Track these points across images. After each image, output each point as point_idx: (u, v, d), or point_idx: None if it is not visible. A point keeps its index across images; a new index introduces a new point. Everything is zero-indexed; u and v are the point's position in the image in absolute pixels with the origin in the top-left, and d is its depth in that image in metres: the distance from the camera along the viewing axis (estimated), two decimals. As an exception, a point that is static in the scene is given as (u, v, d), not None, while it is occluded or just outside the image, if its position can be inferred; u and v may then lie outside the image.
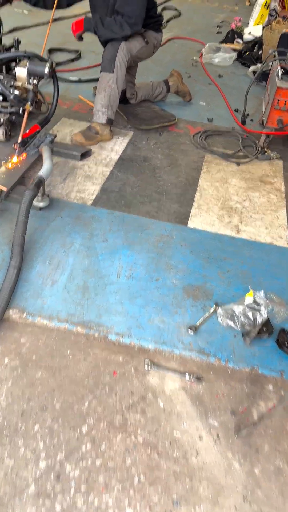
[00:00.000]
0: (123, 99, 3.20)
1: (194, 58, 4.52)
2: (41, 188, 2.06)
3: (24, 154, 2.41)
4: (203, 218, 2.27)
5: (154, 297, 1.76)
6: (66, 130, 2.90)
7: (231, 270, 1.94)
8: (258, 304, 1.65)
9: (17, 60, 2.49)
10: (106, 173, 2.52)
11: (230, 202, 2.42)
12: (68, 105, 3.25)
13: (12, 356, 1.48)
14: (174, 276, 1.87)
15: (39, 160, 2.40)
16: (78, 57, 4.12)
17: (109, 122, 2.74)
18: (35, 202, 2.07)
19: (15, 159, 2.36)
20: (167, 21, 5.76)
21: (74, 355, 1.50)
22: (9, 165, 2.31)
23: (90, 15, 2.65)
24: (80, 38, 2.64)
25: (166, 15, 6.01)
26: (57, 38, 4.34)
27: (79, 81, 3.60)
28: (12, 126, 2.65)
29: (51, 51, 4.13)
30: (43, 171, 2.09)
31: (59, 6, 2.70)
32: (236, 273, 1.93)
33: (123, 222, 2.16)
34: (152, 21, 2.69)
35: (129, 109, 3.18)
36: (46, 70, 2.36)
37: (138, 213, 2.24)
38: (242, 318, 1.62)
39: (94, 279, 1.80)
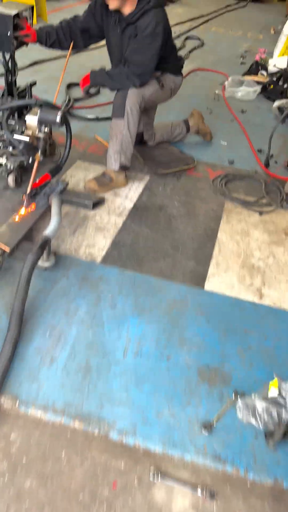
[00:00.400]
0: (140, 141, 3.08)
1: (216, 91, 4.38)
2: (47, 247, 1.92)
3: (33, 205, 2.29)
4: (222, 278, 2.07)
5: (164, 381, 1.56)
6: (80, 175, 2.78)
7: (253, 347, 1.73)
8: (284, 398, 1.43)
9: (27, 107, 2.39)
10: (119, 224, 2.37)
11: (252, 259, 2.21)
12: (84, 146, 3.14)
13: (0, 457, 1.31)
14: (187, 354, 1.67)
15: (49, 209, 2.27)
16: (97, 93, 4.04)
17: (123, 168, 2.60)
18: (40, 262, 1.93)
19: (23, 210, 2.24)
20: (190, 52, 5.69)
21: (69, 459, 1.31)
22: (16, 218, 2.19)
23: (97, 68, 2.55)
24: (88, 93, 2.53)
25: (189, 44, 5.95)
26: (77, 71, 4.29)
27: (97, 119, 3.50)
28: (23, 171, 2.55)
29: (70, 86, 4.08)
30: (50, 229, 1.95)
31: (75, 47, 2.61)
32: (259, 350, 1.71)
33: (134, 283, 1.99)
34: (170, 65, 2.57)
35: (146, 152, 3.04)
36: (58, 119, 2.25)
37: (151, 271, 2.07)
38: (265, 415, 1.40)
39: (97, 357, 1.62)
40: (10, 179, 2.51)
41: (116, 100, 2.46)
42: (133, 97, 2.40)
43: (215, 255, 2.22)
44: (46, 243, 1.87)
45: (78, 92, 4.01)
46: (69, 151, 2.50)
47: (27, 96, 2.65)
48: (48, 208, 2.27)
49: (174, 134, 3.19)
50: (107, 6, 2.31)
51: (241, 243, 2.32)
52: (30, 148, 2.26)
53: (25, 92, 2.66)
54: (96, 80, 2.38)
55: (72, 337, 1.69)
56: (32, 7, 2.58)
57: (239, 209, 2.59)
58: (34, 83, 2.77)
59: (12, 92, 2.58)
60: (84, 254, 2.13)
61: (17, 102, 2.29)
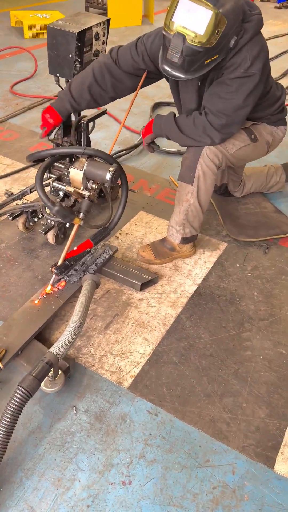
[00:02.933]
0: (224, 191, 2.40)
1: None
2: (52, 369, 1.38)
3: (63, 283, 1.77)
4: (307, 453, 1.34)
5: None
6: (138, 232, 2.19)
7: None
8: None
9: (73, 157, 1.86)
10: (169, 320, 1.74)
11: None
12: (153, 190, 2.55)
13: None
14: None
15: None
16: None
17: (186, 241, 1.96)
18: (42, 384, 1.39)
19: (48, 288, 1.73)
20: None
21: None
22: (37, 300, 1.68)
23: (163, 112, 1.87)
24: (150, 146, 1.89)
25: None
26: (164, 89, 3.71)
27: (178, 153, 2.87)
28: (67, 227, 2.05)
29: (157, 105, 3.50)
30: (59, 345, 1.37)
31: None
32: None
33: (166, 441, 1.34)
34: (268, 112, 1.83)
35: (229, 207, 2.34)
36: (108, 177, 1.69)
37: (196, 420, 1.40)
38: None
39: None
40: (50, 236, 2.02)
41: (186, 158, 1.80)
42: (209, 157, 1.73)
43: (301, 400, 1.49)
44: (48, 368, 1.32)
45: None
46: (122, 211, 1.92)
47: (82, 135, 2.13)
48: (79, 290, 1.73)
49: (270, 183, 2.44)
50: None
51: None
52: (67, 213, 1.72)
53: (81, 128, 2.14)
54: (161, 131, 1.75)
55: (53, 534, 1.13)
56: (108, 20, 2.04)
57: None
58: (91, 120, 2.15)
59: (69, 131, 2.05)
60: (110, 369, 1.54)
61: (59, 150, 1.77)
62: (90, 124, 2.10)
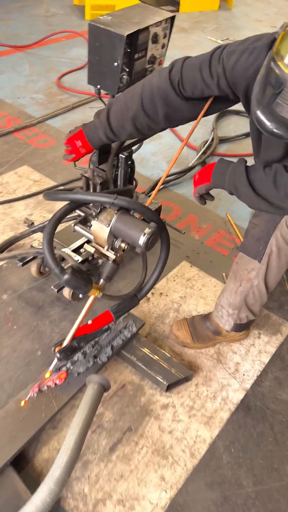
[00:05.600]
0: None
1: None
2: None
3: (63, 375, 1.32)
4: None
5: None
6: (176, 294, 1.70)
7: None
8: None
9: (101, 207, 1.37)
10: (200, 449, 1.25)
11: None
12: (203, 231, 2.02)
13: None
14: None
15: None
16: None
17: (240, 329, 1.44)
18: None
19: (45, 382, 1.30)
20: None
21: None
22: (23, 402, 1.25)
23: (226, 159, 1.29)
24: (202, 198, 1.36)
25: None
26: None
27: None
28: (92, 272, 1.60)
29: (223, 113, 2.92)
30: (41, 500, 0.96)
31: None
32: None
33: None
34: None
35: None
36: (142, 241, 1.20)
37: None
38: None
39: None
40: (66, 291, 1.59)
41: (255, 226, 1.28)
42: (283, 231, 1.19)
43: None
44: None
45: (226, 129, 2.82)
46: (158, 277, 1.41)
47: (120, 172, 1.62)
48: (82, 389, 1.28)
49: None
50: None
51: None
52: (82, 278, 1.26)
53: (119, 163, 1.64)
54: (223, 183, 1.20)
55: None
56: (173, 18, 1.52)
57: None
58: (129, 148, 1.65)
59: (106, 157, 1.56)
60: (106, 525, 1.11)
61: (81, 197, 1.29)
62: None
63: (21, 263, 1.60)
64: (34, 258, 1.63)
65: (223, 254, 1.90)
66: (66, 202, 1.26)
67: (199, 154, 2.41)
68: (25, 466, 1.18)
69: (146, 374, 1.41)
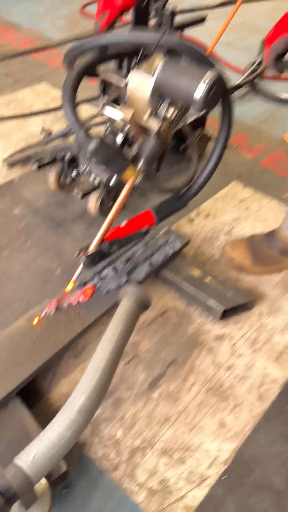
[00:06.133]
0: None
1: None
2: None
3: (89, 291, 1.01)
4: None
5: None
6: (227, 216, 1.37)
7: None
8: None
9: (139, 55, 1.03)
10: (271, 390, 0.93)
11: None
12: (257, 151, 1.67)
13: None
14: None
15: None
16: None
17: None
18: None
19: (64, 299, 0.99)
20: None
21: None
22: (36, 320, 0.96)
23: None
24: (279, 61, 0.92)
25: None
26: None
27: (297, 101, 1.95)
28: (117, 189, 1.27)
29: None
30: (40, 449, 0.64)
31: None
32: None
33: None
34: None
35: None
36: (199, 91, 0.85)
37: None
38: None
39: None
40: (92, 201, 1.27)
41: None
42: None
43: None
44: (11, 500, 0.60)
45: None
46: (213, 170, 1.08)
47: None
48: (113, 308, 0.97)
49: None
50: None
51: None
52: (114, 151, 0.93)
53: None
54: None
55: None
56: None
57: None
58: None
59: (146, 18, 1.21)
60: (147, 484, 0.78)
61: (114, 37, 0.96)
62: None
63: (36, 166, 1.29)
64: (53, 162, 1.32)
65: (283, 175, 1.55)
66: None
67: (246, 73, 2.05)
68: (37, 402, 0.89)
69: (193, 299, 1.08)
